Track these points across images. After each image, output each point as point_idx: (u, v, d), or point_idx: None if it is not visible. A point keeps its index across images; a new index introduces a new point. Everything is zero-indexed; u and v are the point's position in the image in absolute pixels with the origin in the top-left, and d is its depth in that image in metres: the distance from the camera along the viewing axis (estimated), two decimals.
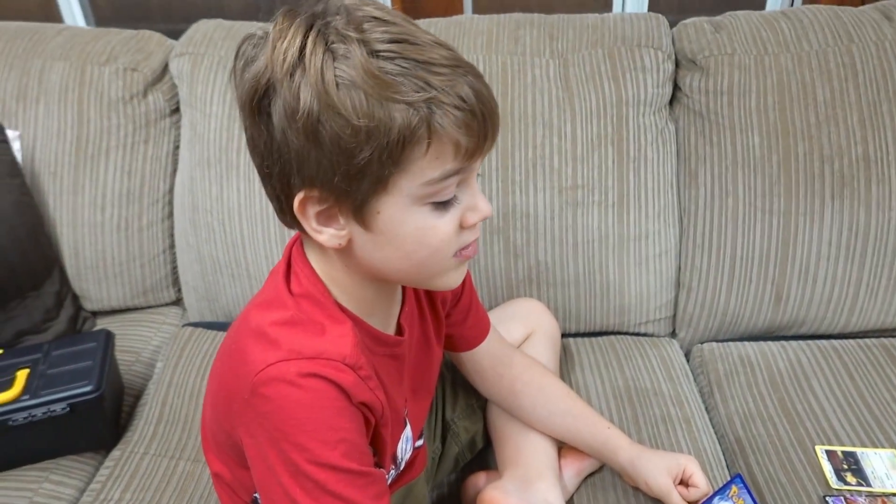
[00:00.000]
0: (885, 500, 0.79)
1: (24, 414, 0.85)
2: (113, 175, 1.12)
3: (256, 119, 0.53)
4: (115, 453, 0.92)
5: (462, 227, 0.57)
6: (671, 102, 1.11)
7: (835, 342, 1.03)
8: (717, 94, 1.04)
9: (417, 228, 0.55)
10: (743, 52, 1.04)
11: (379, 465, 0.68)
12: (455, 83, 0.51)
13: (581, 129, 1.03)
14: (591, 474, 0.87)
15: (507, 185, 1.02)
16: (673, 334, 1.12)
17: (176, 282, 1.20)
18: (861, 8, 1.09)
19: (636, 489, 0.82)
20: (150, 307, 1.20)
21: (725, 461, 0.90)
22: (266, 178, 0.56)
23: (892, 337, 1.04)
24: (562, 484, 0.84)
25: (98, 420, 0.90)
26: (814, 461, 0.85)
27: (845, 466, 0.83)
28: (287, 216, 0.57)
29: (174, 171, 1.16)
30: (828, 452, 0.85)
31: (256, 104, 0.52)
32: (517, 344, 0.95)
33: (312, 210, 0.55)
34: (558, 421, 0.85)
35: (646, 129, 1.05)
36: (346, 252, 0.58)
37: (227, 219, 1.08)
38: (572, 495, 0.85)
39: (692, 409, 0.95)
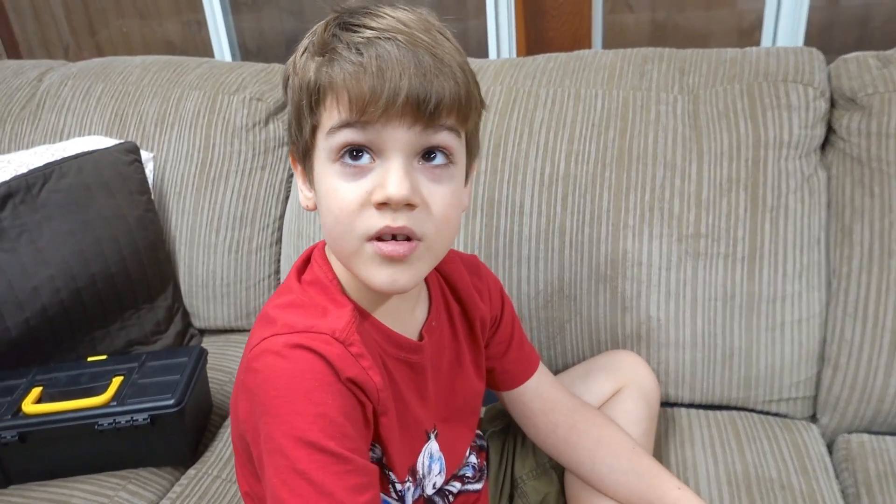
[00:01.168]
0: None
1: (110, 420, 0.87)
2: (230, 198, 1.16)
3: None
4: (191, 472, 0.91)
5: (371, 203, 0.54)
6: (824, 147, 0.96)
7: None
8: (882, 136, 0.88)
9: (327, 189, 0.56)
10: None
11: (388, 468, 0.63)
12: (367, 43, 0.53)
13: (708, 171, 0.91)
14: None
15: (619, 228, 0.92)
16: (813, 418, 0.95)
17: None
18: None
19: None
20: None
21: None
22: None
23: None
24: None
25: (178, 435, 0.90)
26: None
27: None
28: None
29: (286, 198, 1.18)
30: None
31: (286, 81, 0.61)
32: (603, 399, 0.84)
33: (298, 167, 0.62)
34: (622, 480, 0.73)
35: (788, 174, 0.91)
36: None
37: None
38: None
39: None
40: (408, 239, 0.54)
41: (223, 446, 0.95)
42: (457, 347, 0.71)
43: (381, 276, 0.55)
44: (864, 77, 0.92)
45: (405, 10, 0.56)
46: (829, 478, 0.84)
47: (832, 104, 0.95)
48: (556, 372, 0.89)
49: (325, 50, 0.55)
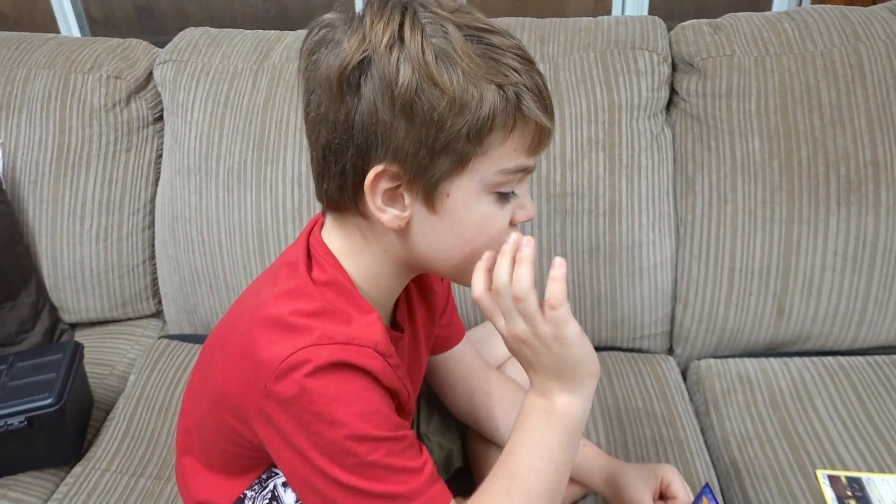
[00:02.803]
0: None
1: None
2: (94, 184, 1.10)
3: (343, 92, 0.53)
4: (77, 469, 0.88)
5: (511, 223, 0.58)
6: (668, 107, 1.06)
7: (841, 359, 0.97)
8: (716, 97, 0.99)
9: (481, 216, 0.56)
10: (743, 54, 0.99)
11: None
12: (532, 73, 0.54)
13: (571, 134, 0.99)
14: (575, 502, 0.81)
15: None
16: (670, 351, 1.06)
17: (156, 293, 1.17)
18: (870, 7, 1.04)
19: None
20: (129, 319, 1.17)
21: (720, 486, 0.84)
22: (334, 154, 0.55)
23: None
24: None
25: (59, 435, 0.87)
26: (815, 487, 0.78)
27: (849, 493, 0.76)
28: (347, 194, 0.57)
29: (156, 180, 1.14)
30: (830, 478, 0.78)
31: (346, 76, 0.53)
32: (500, 361, 0.90)
33: (382, 187, 0.55)
34: None
35: (640, 134, 1.00)
36: (396, 236, 0.58)
37: (206, 228, 1.05)
38: None
39: (686, 431, 0.89)
40: None
41: (110, 440, 0.92)
42: (414, 326, 0.72)
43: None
44: (699, 43, 1.02)
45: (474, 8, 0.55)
46: (684, 401, 0.95)
47: (674, 68, 1.05)
48: None
49: (497, 76, 0.52)
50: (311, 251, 0.61)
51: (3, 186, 1.08)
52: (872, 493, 0.76)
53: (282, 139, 1.02)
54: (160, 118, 1.14)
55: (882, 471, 0.79)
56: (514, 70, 0.53)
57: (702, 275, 1.00)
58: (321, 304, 0.56)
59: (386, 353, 0.56)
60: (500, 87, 0.52)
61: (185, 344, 1.08)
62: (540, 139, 0.56)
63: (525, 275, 0.56)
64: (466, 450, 0.86)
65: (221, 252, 1.05)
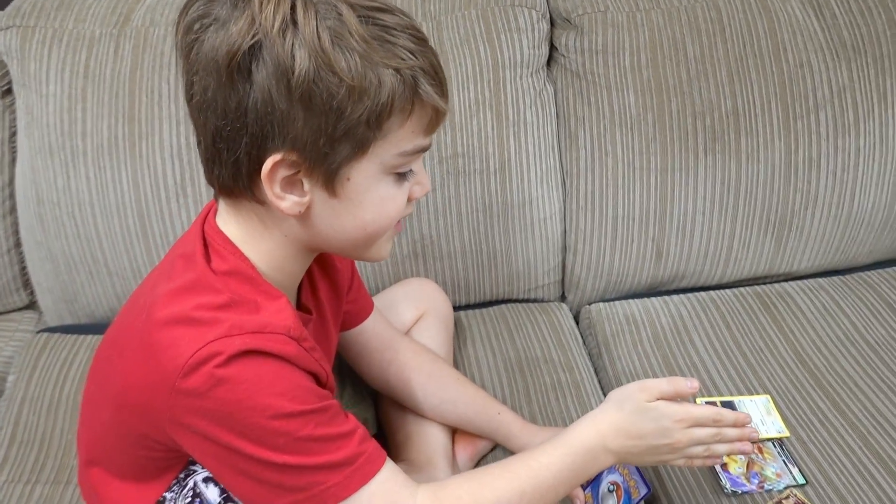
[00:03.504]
0: (761, 445, 0.82)
1: None
2: None
3: (233, 79, 0.50)
4: None
5: (409, 199, 0.59)
6: (549, 63, 1.08)
7: (713, 293, 1.06)
8: (593, 53, 1.02)
9: (380, 198, 0.57)
10: (616, 10, 1.03)
11: None
12: (427, 53, 0.54)
13: (458, 95, 0.99)
14: (484, 456, 0.85)
15: None
16: (563, 298, 1.13)
17: (27, 284, 1.08)
18: None
19: None
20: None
21: None
22: (225, 141, 0.53)
23: (764, 284, 1.08)
24: (456, 468, 0.82)
25: None
26: None
27: None
28: (241, 182, 0.55)
29: (13, 160, 1.04)
30: (708, 403, 0.87)
31: (236, 63, 0.50)
32: (408, 326, 0.92)
33: (280, 175, 0.53)
34: (449, 409, 0.83)
35: (524, 91, 1.02)
36: (295, 221, 0.57)
37: (78, 211, 0.97)
38: None
39: (581, 374, 0.96)
40: None
41: None
42: (319, 305, 0.71)
43: (388, 248, 0.63)
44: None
45: None
46: (579, 346, 1.02)
47: (553, 24, 1.07)
48: None
49: (393, 59, 0.51)
50: (207, 240, 0.59)
51: None
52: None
53: (155, 111, 0.96)
54: (9, 91, 1.03)
55: (750, 392, 0.90)
56: (410, 52, 0.52)
57: (588, 224, 1.06)
58: (227, 296, 0.55)
59: (300, 337, 0.56)
60: (397, 70, 0.51)
61: (69, 336, 1.01)
62: (436, 119, 0.56)
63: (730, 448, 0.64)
64: (379, 415, 0.88)
65: (99, 236, 0.98)
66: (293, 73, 0.49)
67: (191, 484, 0.60)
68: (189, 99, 0.54)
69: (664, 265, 1.06)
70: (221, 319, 0.53)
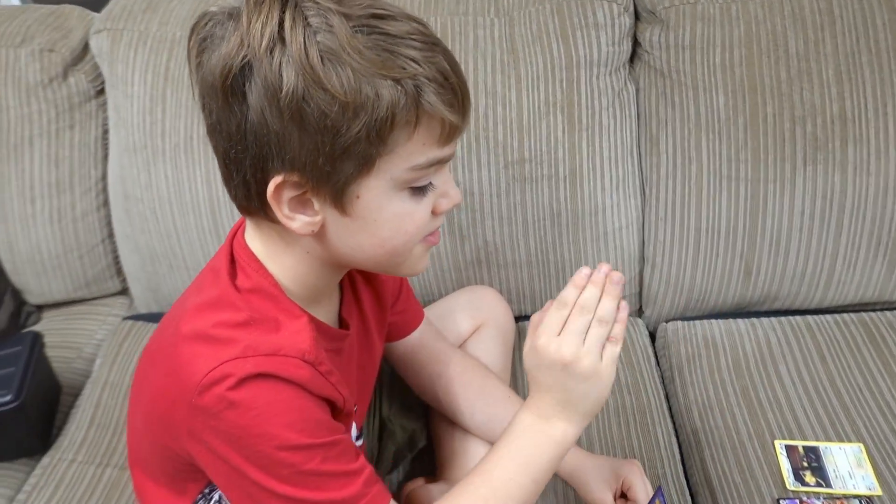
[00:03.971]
0: (845, 502, 0.72)
1: None
2: (39, 165, 1.06)
3: (228, 101, 0.50)
4: (45, 460, 0.89)
5: (434, 213, 0.56)
6: (632, 60, 1.00)
7: (809, 319, 0.95)
8: (679, 49, 0.94)
9: (396, 214, 0.54)
10: (707, 1, 0.93)
11: None
12: (435, 59, 0.50)
13: (527, 95, 0.94)
14: None
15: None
16: (640, 313, 1.05)
17: (120, 272, 1.15)
18: None
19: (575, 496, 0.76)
20: (95, 298, 1.16)
21: (681, 455, 0.84)
22: (234, 163, 0.52)
23: (872, 311, 0.96)
24: None
25: (21, 430, 0.87)
26: (772, 458, 0.78)
27: (805, 464, 0.77)
28: (254, 203, 0.54)
29: (105, 156, 1.10)
30: (787, 448, 0.79)
31: (229, 85, 0.49)
32: (464, 337, 0.89)
33: (287, 196, 0.52)
34: (497, 428, 0.78)
35: (600, 92, 0.95)
36: (312, 239, 0.56)
37: (158, 207, 1.02)
38: None
39: (650, 399, 0.89)
40: None
41: (76, 429, 0.92)
42: (363, 317, 0.70)
43: (425, 262, 0.60)
44: None
45: None
46: (651, 366, 0.95)
47: (637, 17, 0.99)
48: None
49: (392, 70, 0.48)
50: (234, 256, 0.59)
51: None
52: (828, 462, 0.77)
53: None
54: (102, 91, 1.09)
55: (840, 438, 0.79)
56: (412, 60, 0.48)
57: (668, 236, 0.98)
58: (247, 315, 0.54)
59: (315, 361, 0.55)
60: (397, 81, 0.48)
61: (150, 324, 1.07)
62: (451, 129, 0.52)
63: (611, 305, 0.56)
64: (430, 429, 0.86)
65: (177, 231, 1.02)
66: (282, 93, 0.47)
67: (216, 497, 0.61)
68: (205, 122, 0.54)
69: (753, 284, 0.97)
70: (237, 339, 0.53)
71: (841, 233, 0.92)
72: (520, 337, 0.98)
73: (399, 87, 0.48)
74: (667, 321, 1.02)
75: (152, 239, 1.04)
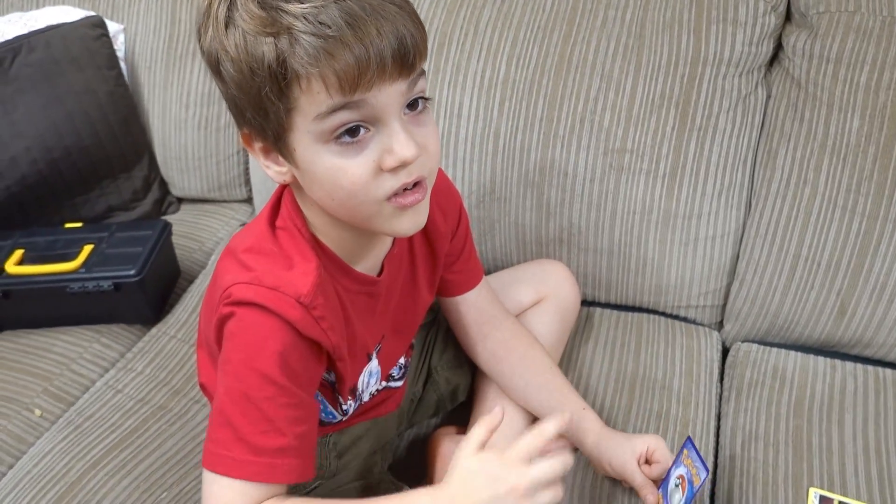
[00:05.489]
0: None
1: (79, 284, 0.99)
2: (197, 75, 1.20)
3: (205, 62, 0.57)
4: (153, 330, 1.04)
5: (382, 169, 0.55)
6: (772, 62, 0.94)
7: None
8: (822, 60, 0.87)
9: (328, 168, 0.55)
10: (869, 12, 0.85)
11: (338, 392, 0.71)
12: (321, 9, 0.49)
13: (643, 86, 0.92)
14: None
15: (549, 137, 0.95)
16: (720, 325, 1.02)
17: (248, 182, 1.28)
18: None
19: (597, 482, 0.78)
20: (224, 201, 1.30)
21: (714, 476, 0.83)
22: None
23: None
24: None
25: (139, 300, 1.02)
26: None
27: None
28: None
29: None
30: (822, 498, 0.75)
31: (201, 48, 0.56)
32: (525, 307, 0.91)
33: (256, 146, 0.58)
34: (533, 393, 0.82)
35: (724, 93, 0.91)
36: (305, 190, 0.60)
37: None
38: None
39: (697, 413, 0.87)
40: (415, 183, 0.57)
41: (182, 310, 1.07)
42: (413, 268, 0.74)
43: (405, 224, 0.59)
44: None
45: None
46: (711, 382, 0.92)
47: (788, 17, 0.92)
48: (486, 271, 0.96)
49: (272, 27, 0.50)
50: (280, 198, 0.64)
51: (124, 70, 1.20)
52: None
53: None
54: None
55: None
56: (293, 15, 0.49)
57: (764, 256, 0.93)
58: (266, 244, 0.61)
59: (310, 304, 0.58)
60: (275, 37, 0.50)
61: None
62: (349, 76, 0.50)
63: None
64: (473, 385, 0.91)
65: None
66: (207, 56, 0.54)
67: None
68: None
69: (846, 325, 0.90)
70: (253, 267, 0.59)
71: None
72: (587, 321, 0.99)
73: (276, 44, 0.50)
74: (745, 341, 0.98)
75: None
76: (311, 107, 0.52)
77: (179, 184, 1.28)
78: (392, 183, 0.55)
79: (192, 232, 1.23)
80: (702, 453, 0.83)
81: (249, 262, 0.60)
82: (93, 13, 1.18)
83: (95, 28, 1.15)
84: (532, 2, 0.97)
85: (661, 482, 0.73)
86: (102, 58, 1.16)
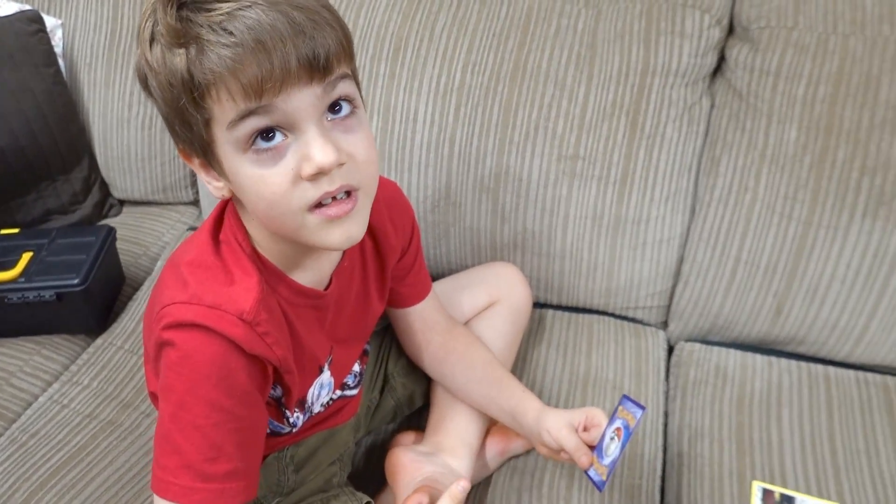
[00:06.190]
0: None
1: (18, 294, 0.95)
2: None
3: None
4: (98, 341, 1.01)
5: (301, 178, 0.54)
6: (715, 74, 0.98)
7: (830, 370, 0.94)
8: (763, 73, 0.91)
9: (249, 177, 0.55)
10: (806, 28, 0.89)
11: (284, 406, 0.71)
12: (230, 18, 0.50)
13: (595, 94, 0.94)
14: (516, 456, 0.86)
15: (504, 143, 0.96)
16: (665, 324, 1.06)
17: (195, 183, 1.25)
18: None
19: (553, 478, 0.81)
20: (169, 204, 1.27)
21: (662, 472, 0.87)
22: None
23: None
24: (482, 462, 0.84)
25: (83, 310, 0.99)
26: (746, 498, 0.80)
27: None
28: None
29: None
30: (764, 491, 0.80)
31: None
32: (476, 311, 0.92)
33: (196, 161, 0.59)
34: (475, 388, 0.83)
35: (671, 103, 0.94)
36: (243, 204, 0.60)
37: None
38: (492, 474, 0.85)
39: (649, 411, 0.91)
40: (347, 194, 0.56)
41: (129, 319, 1.04)
42: (365, 280, 0.74)
43: (334, 237, 0.57)
44: (763, 6, 0.92)
45: None
46: (658, 380, 0.96)
47: (731, 31, 0.96)
48: (440, 274, 0.97)
49: (183, 38, 0.51)
50: (224, 211, 0.64)
51: (62, 67, 1.15)
52: None
53: None
54: None
55: (821, 495, 0.79)
56: (201, 25, 0.50)
57: (707, 259, 0.97)
58: (208, 258, 0.60)
59: (253, 321, 0.58)
60: (185, 47, 0.51)
61: None
62: (255, 82, 0.50)
63: None
64: (429, 391, 0.92)
65: None
66: (137, 74, 0.55)
67: None
68: None
69: (782, 324, 0.95)
70: (191, 284, 0.58)
71: (885, 293, 0.89)
72: (539, 323, 1.02)
73: (186, 54, 0.51)
74: (688, 340, 1.02)
75: None
76: (223, 115, 0.52)
77: (121, 185, 1.24)
78: (313, 192, 0.54)
79: (136, 236, 1.19)
80: (650, 451, 0.86)
81: (188, 277, 0.59)
82: (29, 7, 1.13)
83: (32, 23, 1.10)
84: (487, 9, 0.98)
85: (594, 447, 0.73)
86: (39, 54, 1.11)
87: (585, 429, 0.75)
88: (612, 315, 1.05)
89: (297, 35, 0.51)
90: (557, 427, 0.74)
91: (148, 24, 0.53)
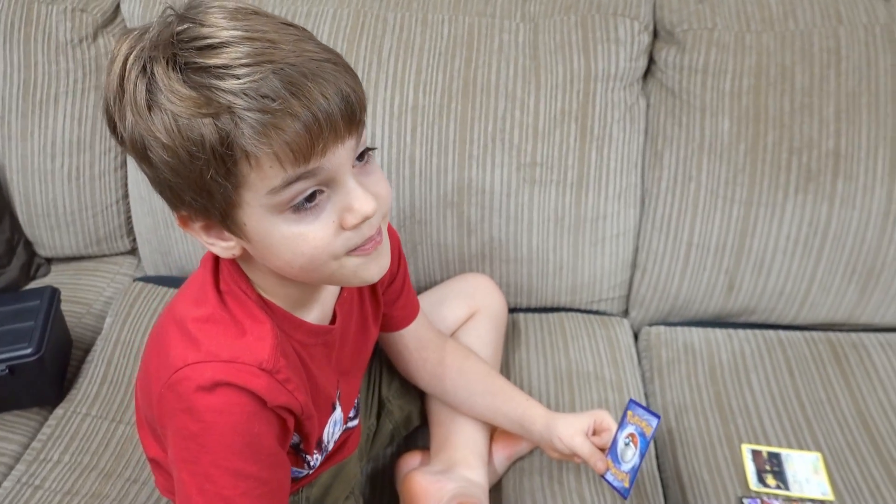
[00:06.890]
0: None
1: None
2: (63, 122, 1.09)
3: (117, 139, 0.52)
4: (59, 412, 0.93)
5: (344, 228, 0.54)
6: (646, 76, 1.05)
7: (781, 333, 1.03)
8: (692, 71, 0.99)
9: (285, 237, 0.53)
10: (724, 28, 0.98)
11: (304, 452, 0.69)
12: (260, 82, 0.47)
13: (545, 103, 0.99)
14: (522, 458, 0.88)
15: (465, 158, 0.99)
16: (626, 313, 1.12)
17: (131, 232, 1.18)
18: None
19: (562, 475, 0.84)
20: (104, 256, 1.19)
21: (656, 453, 0.92)
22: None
23: (839, 331, 1.03)
24: (491, 468, 0.86)
25: (39, 380, 0.91)
26: (738, 460, 0.86)
27: (768, 468, 0.85)
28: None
29: None
30: (753, 452, 0.87)
31: (112, 128, 0.52)
32: (459, 323, 0.94)
33: (195, 226, 0.55)
34: (479, 401, 0.85)
35: (614, 105, 1.00)
36: (250, 258, 0.58)
37: None
38: (501, 478, 0.87)
39: (631, 396, 0.96)
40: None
41: (88, 383, 0.97)
42: (363, 307, 0.74)
43: (372, 272, 0.57)
44: (682, 11, 1.01)
45: (234, 20, 0.49)
46: (633, 366, 1.02)
47: (657, 36, 1.04)
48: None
49: (207, 107, 0.47)
50: (219, 260, 0.61)
51: None
52: (789, 468, 0.85)
53: None
54: None
55: (801, 447, 0.87)
56: (230, 92, 0.47)
57: (661, 246, 1.04)
58: (215, 312, 0.58)
59: (272, 369, 0.57)
60: (214, 118, 0.47)
61: (160, 287, 1.11)
62: (301, 147, 0.48)
63: None
64: (426, 410, 0.92)
65: None
66: (129, 140, 0.50)
67: None
68: None
69: (734, 298, 1.04)
70: (203, 341, 0.56)
71: (821, 259, 0.99)
72: (514, 328, 1.05)
73: (215, 124, 0.47)
74: (650, 325, 1.09)
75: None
76: (263, 182, 0.50)
77: (49, 243, 1.15)
78: (356, 239, 0.55)
79: (76, 294, 1.12)
80: None
81: (198, 335, 0.57)
82: None
83: None
84: (430, 29, 1.01)
85: (608, 450, 0.77)
86: None
87: (595, 433, 0.79)
88: (579, 310, 1.10)
89: (334, 91, 0.49)
90: (570, 435, 0.77)
91: (139, 89, 0.48)
